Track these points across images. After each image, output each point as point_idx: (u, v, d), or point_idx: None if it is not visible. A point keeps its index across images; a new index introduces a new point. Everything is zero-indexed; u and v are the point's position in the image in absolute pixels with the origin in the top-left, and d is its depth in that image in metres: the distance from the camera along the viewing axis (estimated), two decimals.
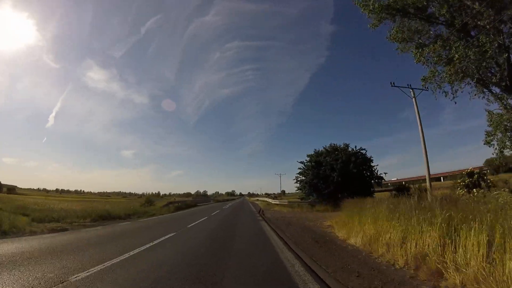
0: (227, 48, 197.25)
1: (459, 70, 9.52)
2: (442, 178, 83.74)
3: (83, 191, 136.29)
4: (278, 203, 29.19)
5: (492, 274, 3.09)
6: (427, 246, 4.36)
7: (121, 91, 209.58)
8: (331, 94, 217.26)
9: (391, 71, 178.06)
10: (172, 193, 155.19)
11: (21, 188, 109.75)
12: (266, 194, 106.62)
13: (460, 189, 14.17)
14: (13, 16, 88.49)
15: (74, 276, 4.07)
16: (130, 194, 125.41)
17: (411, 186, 21.76)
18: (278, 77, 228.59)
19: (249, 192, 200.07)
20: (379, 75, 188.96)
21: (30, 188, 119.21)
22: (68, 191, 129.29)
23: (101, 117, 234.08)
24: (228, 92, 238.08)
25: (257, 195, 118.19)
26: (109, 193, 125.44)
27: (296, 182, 24.21)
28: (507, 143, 10.21)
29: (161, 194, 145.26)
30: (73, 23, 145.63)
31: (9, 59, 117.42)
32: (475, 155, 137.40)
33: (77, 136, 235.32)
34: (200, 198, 67.60)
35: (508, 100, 10.14)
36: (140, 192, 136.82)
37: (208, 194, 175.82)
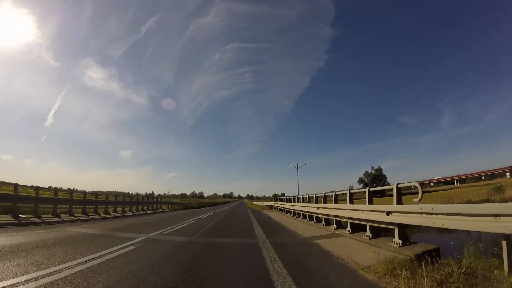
0: (225, 50, 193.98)
1: None
2: (455, 181, 77.68)
3: (77, 189, 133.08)
4: None
5: None
6: None
7: (120, 91, 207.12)
8: (330, 98, 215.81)
9: (391, 75, 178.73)
10: (167, 194, 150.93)
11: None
12: (275, 195, 79.14)
13: None
14: (13, 13, 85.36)
15: None
16: (121, 193, 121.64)
17: None
18: (276, 79, 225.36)
19: (248, 195, 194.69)
20: (379, 80, 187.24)
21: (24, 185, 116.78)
22: (61, 189, 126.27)
23: (100, 116, 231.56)
24: (225, 94, 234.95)
25: (262, 199, 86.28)
26: (103, 191, 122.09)
27: None
28: None
29: (155, 195, 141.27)
30: (72, 21, 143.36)
31: (8, 55, 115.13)
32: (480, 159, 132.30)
33: (75, 136, 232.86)
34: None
35: None
36: (134, 192, 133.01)
37: (205, 195, 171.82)
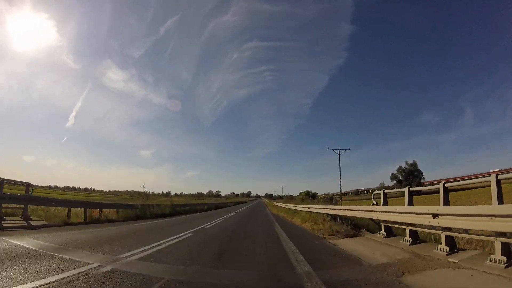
0: (244, 49, 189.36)
1: None
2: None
3: (94, 189, 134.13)
4: None
5: None
6: None
7: (140, 91, 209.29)
8: (350, 96, 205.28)
9: (410, 72, 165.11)
10: (184, 193, 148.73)
11: (33, 185, 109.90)
12: (307, 193, 68.39)
13: None
14: (33, 18, 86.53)
15: None
16: (138, 192, 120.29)
17: None
18: (296, 78, 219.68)
19: (266, 193, 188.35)
20: (398, 77, 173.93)
21: (44, 186, 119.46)
22: (79, 189, 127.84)
23: (120, 116, 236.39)
24: (245, 93, 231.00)
25: (290, 200, 49.30)
26: (120, 191, 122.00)
27: None
28: None
29: (171, 194, 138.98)
30: (92, 24, 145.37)
31: (29, 59, 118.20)
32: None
33: (95, 136, 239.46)
34: None
35: None
36: (152, 191, 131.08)
37: (222, 195, 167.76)
